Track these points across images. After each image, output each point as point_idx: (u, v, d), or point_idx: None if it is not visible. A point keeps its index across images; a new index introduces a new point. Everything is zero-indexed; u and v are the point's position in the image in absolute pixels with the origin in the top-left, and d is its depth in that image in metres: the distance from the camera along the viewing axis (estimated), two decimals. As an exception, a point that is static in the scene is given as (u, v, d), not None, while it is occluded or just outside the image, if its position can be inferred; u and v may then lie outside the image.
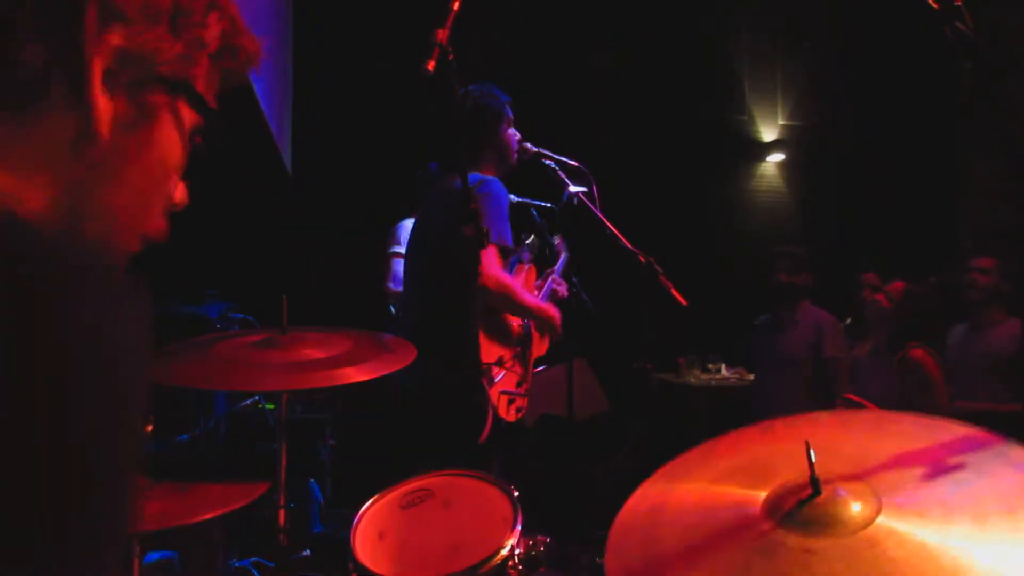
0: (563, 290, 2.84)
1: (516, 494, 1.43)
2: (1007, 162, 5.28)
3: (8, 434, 0.42)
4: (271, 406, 3.59)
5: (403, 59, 2.03)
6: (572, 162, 2.70)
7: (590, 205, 2.62)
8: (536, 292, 2.83)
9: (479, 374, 2.31)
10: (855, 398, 3.02)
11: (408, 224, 3.31)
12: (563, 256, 3.06)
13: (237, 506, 1.85)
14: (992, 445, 0.86)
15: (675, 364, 5.50)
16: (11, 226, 0.48)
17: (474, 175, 2.38)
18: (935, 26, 1.18)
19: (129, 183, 0.60)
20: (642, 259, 2.40)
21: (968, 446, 0.86)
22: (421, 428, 2.47)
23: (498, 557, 1.29)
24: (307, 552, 3.02)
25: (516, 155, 2.65)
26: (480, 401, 2.27)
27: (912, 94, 6.17)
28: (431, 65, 1.60)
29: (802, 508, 0.83)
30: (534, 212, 2.93)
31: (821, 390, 3.75)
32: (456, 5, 1.67)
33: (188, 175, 0.68)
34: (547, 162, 2.67)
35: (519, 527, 1.35)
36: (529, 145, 2.68)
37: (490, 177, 2.46)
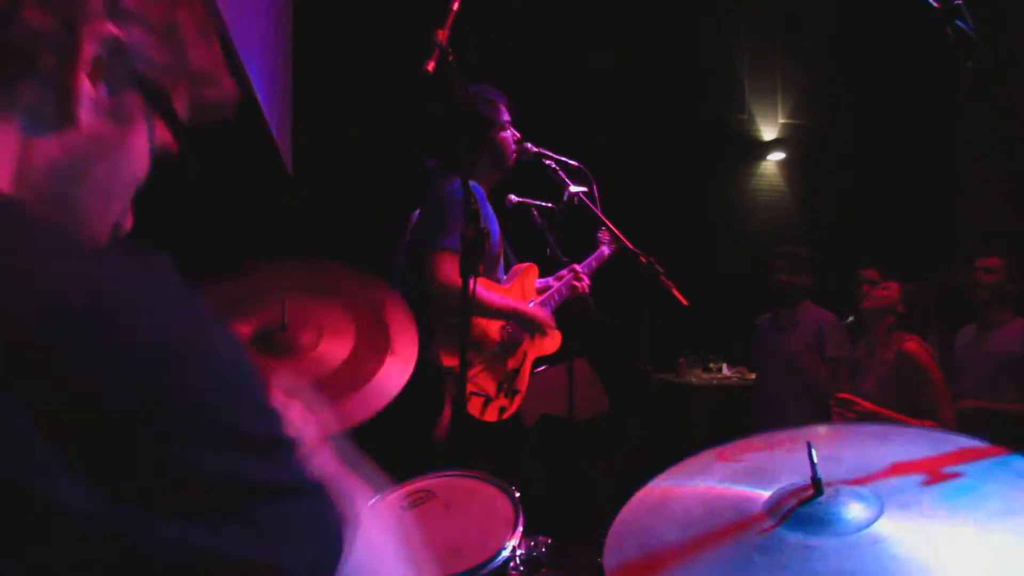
0: (582, 285, 2.82)
1: (517, 495, 1.42)
2: (1007, 161, 5.29)
3: None
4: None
5: (403, 59, 2.03)
6: (572, 162, 2.70)
7: (591, 205, 2.62)
8: (534, 291, 2.83)
9: (436, 374, 2.34)
10: (847, 396, 3.02)
11: None
12: (600, 250, 3.03)
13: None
14: (994, 455, 0.86)
15: (676, 364, 5.50)
16: None
17: (455, 180, 2.42)
18: (936, 26, 1.18)
19: (95, 178, 0.59)
20: (643, 259, 2.40)
21: (970, 456, 0.87)
22: (389, 429, 2.51)
23: (499, 558, 1.29)
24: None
25: (513, 158, 2.65)
26: (434, 399, 2.31)
27: (912, 93, 6.17)
28: (431, 65, 1.60)
29: (804, 508, 0.83)
30: (534, 212, 2.93)
31: (822, 390, 3.74)
32: (456, 5, 1.67)
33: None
34: (547, 162, 2.67)
35: (520, 528, 1.34)
36: (529, 145, 2.68)
37: (472, 184, 2.47)
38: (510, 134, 2.66)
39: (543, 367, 3.04)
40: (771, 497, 0.88)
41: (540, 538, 1.41)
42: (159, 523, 0.43)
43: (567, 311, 2.85)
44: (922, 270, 3.37)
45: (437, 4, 1.69)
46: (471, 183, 2.45)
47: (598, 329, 3.00)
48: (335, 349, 1.64)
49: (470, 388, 2.47)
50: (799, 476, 0.86)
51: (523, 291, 2.80)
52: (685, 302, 2.33)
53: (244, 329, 1.21)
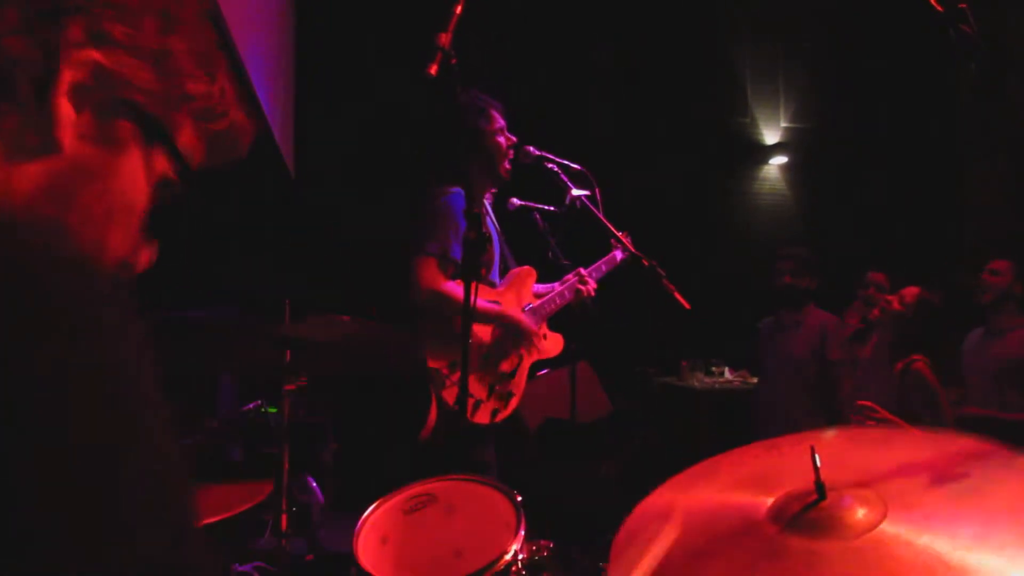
0: (588, 288, 2.82)
1: (519, 499, 1.42)
2: (1010, 162, 5.28)
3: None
4: (273, 410, 3.59)
5: (405, 62, 2.03)
6: (574, 165, 2.70)
7: (592, 208, 2.62)
8: (531, 295, 2.83)
9: (421, 375, 2.38)
10: (869, 403, 3.00)
11: None
12: (613, 254, 3.02)
13: (239, 510, 1.85)
14: (998, 455, 0.85)
15: (678, 367, 5.49)
16: None
17: (448, 188, 2.49)
18: (938, 28, 1.18)
19: (82, 204, 0.59)
20: (645, 262, 2.40)
21: (974, 456, 0.86)
22: (374, 428, 2.55)
23: (501, 562, 1.28)
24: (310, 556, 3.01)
25: (507, 166, 2.66)
26: (420, 400, 2.34)
27: (914, 96, 6.17)
28: (433, 69, 1.60)
29: (807, 512, 0.82)
30: (536, 216, 2.93)
31: (825, 393, 3.74)
32: (458, 8, 1.67)
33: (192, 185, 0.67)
34: (549, 165, 2.67)
35: (522, 532, 1.34)
36: (531, 148, 2.68)
37: (455, 189, 2.49)
38: (504, 140, 2.66)
39: (545, 370, 3.04)
40: (775, 502, 0.88)
41: (542, 541, 1.41)
42: None
43: (569, 314, 2.84)
44: (925, 272, 3.35)
45: (439, 7, 1.69)
46: (458, 190, 2.47)
47: (600, 332, 2.99)
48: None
49: (458, 390, 2.48)
50: (803, 480, 0.86)
51: (518, 295, 2.80)
52: (687, 305, 2.32)
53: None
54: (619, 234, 2.66)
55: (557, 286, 2.87)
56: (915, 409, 3.01)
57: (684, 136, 5.94)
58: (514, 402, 2.66)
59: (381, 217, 4.02)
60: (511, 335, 2.68)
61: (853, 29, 6.23)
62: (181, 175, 0.65)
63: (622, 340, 4.75)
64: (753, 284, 4.60)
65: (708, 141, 6.12)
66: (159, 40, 0.61)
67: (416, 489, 1.50)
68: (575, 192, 2.62)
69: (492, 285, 2.71)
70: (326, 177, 4.90)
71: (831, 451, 0.86)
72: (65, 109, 0.56)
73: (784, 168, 6.53)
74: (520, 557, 1.32)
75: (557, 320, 2.87)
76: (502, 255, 2.81)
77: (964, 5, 1.12)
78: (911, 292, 3.22)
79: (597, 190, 2.65)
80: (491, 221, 2.75)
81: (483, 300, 2.61)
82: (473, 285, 1.82)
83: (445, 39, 1.63)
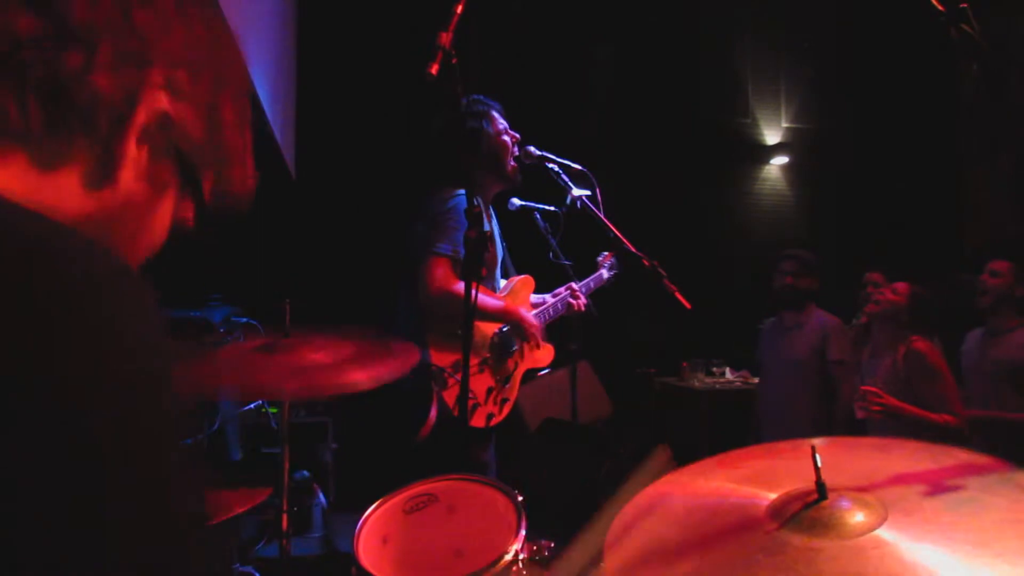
0: (579, 304, 2.84)
1: (520, 498, 1.42)
2: (1011, 163, 5.28)
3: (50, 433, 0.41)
4: (274, 410, 3.59)
5: (407, 62, 2.03)
6: (576, 165, 2.70)
7: (593, 209, 2.62)
8: (528, 304, 2.83)
9: (424, 376, 2.37)
10: (873, 389, 3.00)
11: None
12: (601, 273, 3.07)
13: (240, 511, 1.85)
14: (997, 470, 0.86)
15: (679, 368, 5.50)
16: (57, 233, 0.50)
17: (453, 191, 2.48)
18: (940, 28, 1.18)
19: (119, 237, 0.62)
20: (646, 263, 2.40)
21: (973, 470, 0.86)
22: (374, 426, 2.55)
23: (502, 562, 1.28)
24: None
25: (513, 165, 2.66)
26: (421, 401, 2.33)
27: (914, 96, 6.17)
28: (434, 68, 1.60)
29: (807, 511, 0.83)
30: (537, 216, 2.93)
31: (825, 393, 3.73)
32: (459, 8, 1.67)
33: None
34: (550, 166, 2.67)
35: (523, 531, 1.34)
36: (532, 149, 2.68)
37: (460, 191, 2.49)
38: (508, 139, 2.67)
39: (546, 370, 3.04)
40: (774, 500, 0.88)
41: (543, 541, 1.41)
42: None
43: (566, 320, 2.86)
44: (926, 273, 3.35)
45: (440, 7, 1.69)
46: (463, 193, 2.47)
47: (600, 332, 3.00)
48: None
49: (458, 392, 2.48)
50: (801, 482, 0.86)
51: (516, 303, 2.81)
52: (688, 306, 2.32)
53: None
54: (620, 234, 2.66)
55: (550, 298, 2.89)
56: (922, 393, 3.00)
57: (685, 136, 5.94)
58: (507, 408, 2.67)
59: (381, 217, 4.01)
60: (513, 335, 2.68)
61: (854, 29, 6.23)
62: (202, 226, 0.70)
63: (623, 340, 4.75)
64: (753, 284, 4.60)
65: (708, 141, 6.12)
66: (213, 93, 0.65)
67: (417, 489, 1.50)
68: (576, 192, 2.62)
69: (493, 289, 2.71)
70: (326, 177, 4.90)
71: (829, 457, 0.86)
72: (132, 149, 0.59)
73: (784, 168, 6.53)
74: (521, 557, 1.32)
75: (552, 328, 2.89)
76: (502, 259, 2.81)
77: (965, 4, 1.12)
78: (902, 285, 3.24)
79: (598, 190, 2.65)
80: (494, 223, 2.75)
81: (494, 299, 2.63)
82: (474, 284, 1.82)
83: (446, 38, 1.63)
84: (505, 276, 2.86)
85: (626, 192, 3.43)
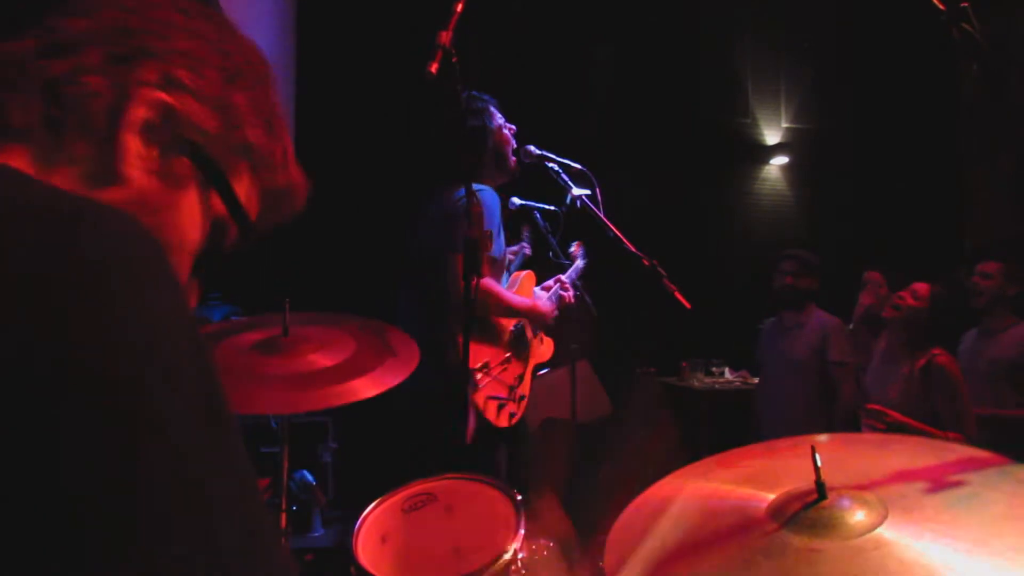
0: (569, 296, 2.86)
1: (519, 498, 1.42)
2: (1012, 164, 5.28)
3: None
4: (273, 409, 3.58)
5: (406, 61, 2.02)
6: (576, 165, 2.70)
7: (593, 208, 2.62)
8: (531, 297, 2.83)
9: (461, 379, 2.33)
10: (878, 407, 2.97)
11: None
12: (578, 263, 3.09)
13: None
14: (997, 465, 0.86)
15: (678, 368, 5.49)
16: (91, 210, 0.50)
17: (457, 186, 2.42)
18: (941, 28, 1.18)
19: None
20: (646, 262, 2.39)
21: (973, 465, 0.86)
22: (407, 432, 2.51)
23: (501, 561, 1.28)
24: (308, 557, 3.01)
25: (514, 159, 2.66)
26: (461, 405, 2.30)
27: (915, 96, 6.17)
28: (434, 67, 1.60)
29: (807, 512, 0.82)
30: (537, 215, 2.93)
31: (825, 394, 3.73)
32: (460, 7, 1.67)
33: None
34: (550, 165, 2.67)
35: (522, 531, 1.34)
36: (532, 148, 2.68)
37: (483, 187, 2.48)
38: (508, 133, 2.67)
39: (546, 370, 3.04)
40: (774, 500, 0.87)
41: (542, 541, 1.41)
42: None
43: (566, 320, 2.86)
44: (926, 274, 3.34)
45: (440, 6, 1.69)
46: (481, 187, 2.46)
47: (600, 331, 3.00)
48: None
49: (486, 392, 2.47)
50: (801, 481, 0.86)
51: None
52: (688, 305, 2.32)
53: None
54: (619, 234, 2.66)
55: (542, 293, 2.89)
56: (937, 407, 2.98)
57: (684, 136, 5.93)
58: (524, 405, 2.67)
59: (381, 217, 4.01)
60: (524, 331, 2.69)
61: (854, 29, 6.23)
62: (239, 225, 0.69)
63: (622, 340, 4.75)
64: (753, 284, 4.60)
65: (708, 141, 6.11)
66: (223, 90, 0.65)
67: (416, 488, 1.50)
68: (576, 191, 2.62)
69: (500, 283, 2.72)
70: (326, 177, 4.89)
71: (829, 455, 0.86)
72: (132, 144, 0.60)
73: (784, 168, 6.52)
74: (520, 556, 1.32)
75: (552, 327, 2.90)
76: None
77: (967, 4, 1.12)
78: (922, 287, 3.16)
79: (598, 189, 2.65)
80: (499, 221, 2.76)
81: (519, 297, 2.64)
82: (473, 282, 1.82)
83: (446, 37, 1.63)
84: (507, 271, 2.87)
85: (626, 192, 3.42)
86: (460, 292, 2.35)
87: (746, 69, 6.43)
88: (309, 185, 0.78)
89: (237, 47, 0.69)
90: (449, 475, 1.53)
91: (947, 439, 2.88)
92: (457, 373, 2.29)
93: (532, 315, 2.66)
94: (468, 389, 2.41)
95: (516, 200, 2.91)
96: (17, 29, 0.57)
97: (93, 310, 0.43)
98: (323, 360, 1.63)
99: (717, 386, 5.26)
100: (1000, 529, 0.74)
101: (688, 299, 2.33)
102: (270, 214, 0.75)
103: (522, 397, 2.66)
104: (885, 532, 0.77)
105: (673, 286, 2.37)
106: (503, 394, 2.55)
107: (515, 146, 2.68)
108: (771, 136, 6.50)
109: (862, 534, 0.78)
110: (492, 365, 2.52)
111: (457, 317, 2.43)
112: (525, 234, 3.11)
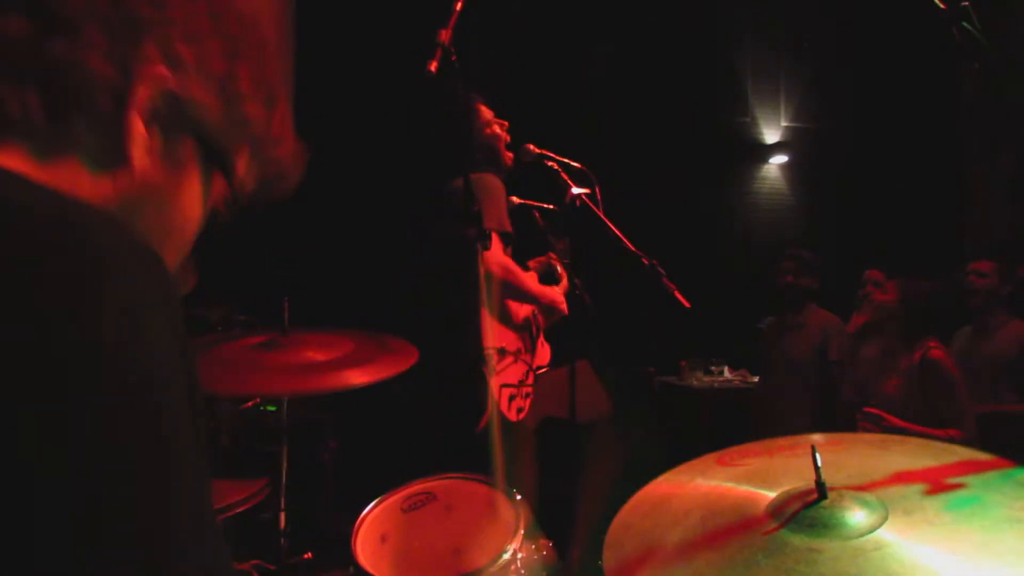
0: (562, 270, 2.87)
1: (519, 498, 1.42)
2: (1012, 163, 5.28)
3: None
4: (272, 408, 3.58)
5: (405, 60, 2.02)
6: (575, 164, 2.69)
7: (593, 207, 2.61)
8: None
9: (480, 361, 2.32)
10: (875, 411, 2.97)
11: None
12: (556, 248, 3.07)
13: (233, 500, 1.84)
14: (998, 467, 0.86)
15: (678, 367, 5.49)
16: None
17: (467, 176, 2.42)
18: (941, 27, 1.17)
19: (146, 219, 0.61)
20: (645, 261, 2.39)
21: (974, 468, 0.86)
22: (420, 416, 2.50)
23: (500, 561, 1.28)
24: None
25: (507, 153, 2.67)
26: (479, 388, 2.30)
27: (915, 96, 6.16)
28: (433, 66, 1.59)
29: (808, 512, 0.82)
30: (536, 214, 2.92)
31: (825, 393, 3.73)
32: (459, 5, 1.67)
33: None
34: (549, 163, 2.67)
35: (521, 531, 1.34)
36: (531, 146, 2.68)
37: (484, 175, 2.48)
38: (497, 127, 2.67)
39: (545, 369, 3.04)
40: (774, 500, 0.87)
41: (541, 541, 1.40)
42: None
43: (566, 319, 2.86)
44: (926, 273, 3.35)
45: (439, 5, 1.69)
46: (495, 178, 2.48)
47: (599, 330, 2.99)
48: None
49: (501, 380, 2.47)
50: (801, 480, 0.86)
51: None
52: (687, 305, 2.31)
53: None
54: (619, 233, 2.66)
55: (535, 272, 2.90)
56: (935, 401, 2.98)
57: (684, 135, 5.93)
58: (530, 401, 2.67)
59: (381, 216, 4.01)
60: (543, 316, 2.70)
61: (854, 29, 6.23)
62: (229, 203, 0.68)
63: (622, 339, 4.74)
64: (753, 284, 4.60)
65: (708, 141, 6.11)
66: (224, 64, 0.63)
67: (415, 488, 1.50)
68: (575, 190, 2.62)
69: None
70: (325, 176, 4.89)
71: (829, 454, 0.85)
72: (137, 125, 0.58)
73: (784, 168, 6.52)
74: (519, 556, 1.31)
75: (551, 327, 2.90)
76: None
77: (967, 3, 1.12)
78: (890, 284, 3.22)
79: (598, 188, 2.64)
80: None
81: (538, 284, 2.65)
82: (491, 262, 1.80)
83: (446, 36, 1.62)
84: None
85: (626, 192, 3.42)
86: (494, 272, 2.37)
87: (746, 69, 6.43)
88: (306, 156, 0.75)
89: (239, 25, 0.66)
90: (449, 475, 1.53)
91: (947, 437, 2.89)
92: (476, 354, 2.29)
93: (546, 302, 2.66)
94: (486, 371, 2.40)
95: (515, 199, 2.91)
96: (9, 6, 0.54)
97: (71, 317, 0.42)
98: (320, 356, 1.64)
99: (716, 385, 5.26)
100: (1000, 533, 0.74)
101: (687, 298, 2.33)
102: (264, 189, 0.73)
103: (528, 394, 2.65)
104: (885, 534, 0.77)
105: (672, 285, 2.37)
106: (514, 383, 2.55)
107: (508, 140, 2.68)
108: (771, 135, 6.49)
109: (862, 535, 0.78)
110: (509, 350, 2.52)
111: (477, 299, 2.42)
112: (554, 244, 3.08)
